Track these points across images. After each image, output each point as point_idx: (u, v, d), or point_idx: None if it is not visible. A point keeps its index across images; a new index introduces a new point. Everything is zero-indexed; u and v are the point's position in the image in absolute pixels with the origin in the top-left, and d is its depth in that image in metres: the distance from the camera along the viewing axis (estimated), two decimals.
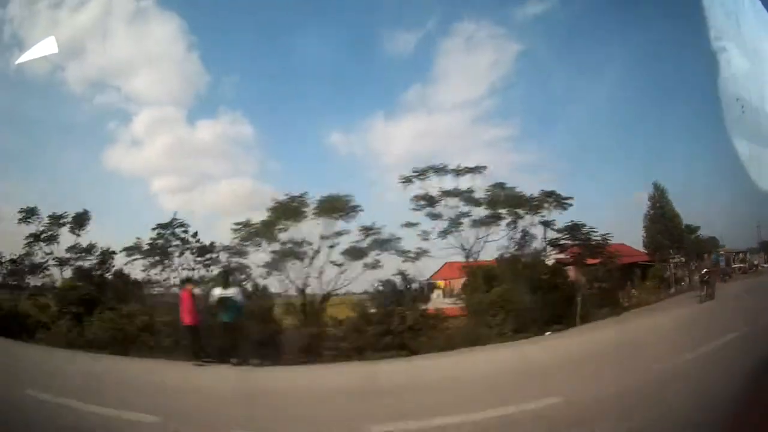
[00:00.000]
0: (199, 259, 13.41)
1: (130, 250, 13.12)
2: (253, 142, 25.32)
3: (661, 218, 14.35)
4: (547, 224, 12.90)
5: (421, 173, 13.28)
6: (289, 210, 12.98)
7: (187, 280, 12.07)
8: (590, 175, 22.32)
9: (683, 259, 14.76)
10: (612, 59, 20.35)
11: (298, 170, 26.44)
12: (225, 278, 11.13)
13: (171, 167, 26.04)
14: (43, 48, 10.87)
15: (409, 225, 13.46)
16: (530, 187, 22.94)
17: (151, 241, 13.19)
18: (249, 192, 25.01)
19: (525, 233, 12.72)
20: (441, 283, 16.34)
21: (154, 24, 24.51)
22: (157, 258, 13.23)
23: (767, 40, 5.53)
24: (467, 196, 13.53)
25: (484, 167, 12.84)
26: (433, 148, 26.21)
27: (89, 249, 13.50)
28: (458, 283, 14.94)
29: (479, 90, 26.16)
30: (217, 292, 10.31)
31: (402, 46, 25.03)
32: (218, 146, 25.64)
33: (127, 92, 25.65)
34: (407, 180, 12.95)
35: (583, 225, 12.40)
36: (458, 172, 13.26)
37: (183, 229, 13.22)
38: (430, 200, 13.20)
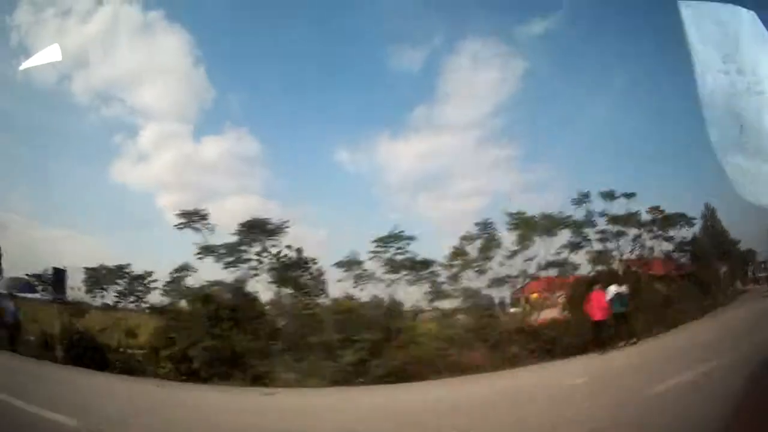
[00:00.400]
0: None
1: None
2: (260, 159, 25.63)
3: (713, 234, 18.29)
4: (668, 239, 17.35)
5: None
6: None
7: (595, 282, 14.76)
8: (595, 192, 22.17)
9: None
10: (614, 77, 20.31)
11: (304, 187, 26.62)
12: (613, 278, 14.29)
13: (177, 183, 26.50)
14: (47, 55, 10.89)
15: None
16: (536, 207, 22.80)
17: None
18: (255, 209, 25.17)
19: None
20: (535, 296, 18.38)
21: (161, 37, 25.08)
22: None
23: (765, 58, 5.47)
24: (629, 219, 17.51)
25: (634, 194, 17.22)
26: (438, 167, 26.29)
27: None
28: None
29: (485, 109, 26.23)
30: (613, 289, 13.34)
31: (408, 64, 25.28)
32: (224, 162, 25.96)
33: (133, 105, 26.22)
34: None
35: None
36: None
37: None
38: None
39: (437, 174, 27.04)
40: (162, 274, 23.09)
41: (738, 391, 5.00)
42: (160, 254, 24.99)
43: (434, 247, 26.32)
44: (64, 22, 23.37)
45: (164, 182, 27.80)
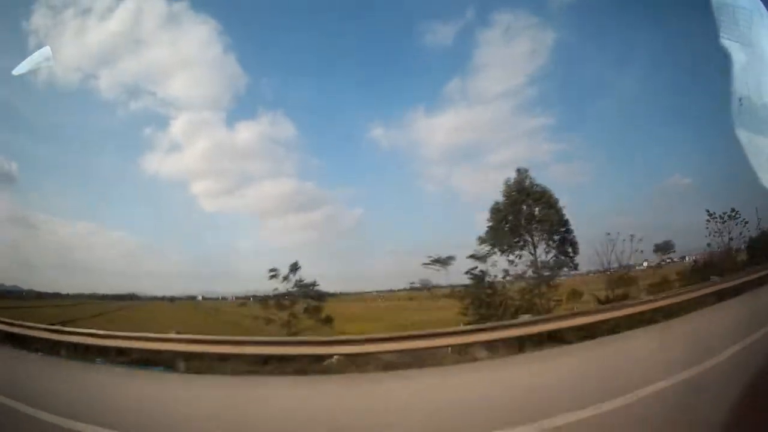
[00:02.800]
0: None
1: None
2: (294, 141, 26.17)
3: None
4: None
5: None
6: None
7: None
8: (625, 163, 22.02)
9: None
10: (641, 45, 19.68)
11: (341, 166, 27.02)
12: None
13: (211, 170, 27.27)
14: (38, 57, 10.93)
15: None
16: (568, 176, 22.99)
17: None
18: (292, 191, 25.76)
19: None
20: None
21: (188, 27, 25.38)
22: None
23: (764, 32, 5.55)
24: None
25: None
26: (473, 140, 26.31)
27: None
28: None
29: (518, 80, 25.97)
30: None
31: (441, 39, 25.08)
32: (259, 147, 26.57)
33: (164, 97, 26.79)
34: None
35: None
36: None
37: None
38: None
39: (473, 146, 27.19)
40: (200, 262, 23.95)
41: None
42: (194, 242, 26.11)
43: (470, 219, 26.82)
44: (84, 21, 23.94)
45: (198, 170, 28.35)
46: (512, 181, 16.59)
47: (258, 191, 26.21)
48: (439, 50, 24.41)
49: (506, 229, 16.22)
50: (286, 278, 15.60)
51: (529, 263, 16.18)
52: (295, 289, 15.62)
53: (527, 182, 16.47)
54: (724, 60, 5.93)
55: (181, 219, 26.22)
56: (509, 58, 24.73)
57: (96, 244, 25.17)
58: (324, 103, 25.24)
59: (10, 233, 22.86)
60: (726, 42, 5.64)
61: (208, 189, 27.57)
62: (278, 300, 15.34)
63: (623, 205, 23.11)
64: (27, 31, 22.80)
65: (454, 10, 24.50)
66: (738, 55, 5.70)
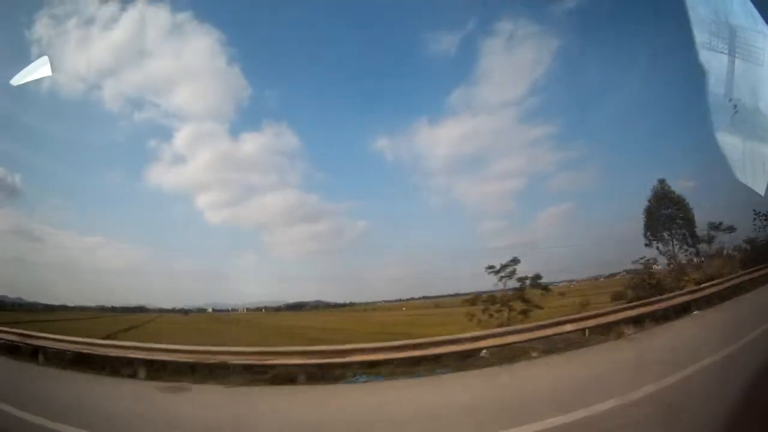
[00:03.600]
0: None
1: None
2: (298, 153, 26.28)
3: None
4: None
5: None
6: None
7: None
8: (630, 170, 21.82)
9: None
10: (640, 53, 19.49)
11: (345, 178, 27.04)
12: None
13: (215, 182, 27.33)
14: (36, 68, 10.86)
15: None
16: (573, 183, 22.95)
17: None
18: (295, 203, 25.69)
19: None
20: None
21: (193, 38, 25.45)
22: None
23: (756, 36, 5.53)
24: None
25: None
26: (477, 150, 26.24)
27: None
28: None
29: (520, 89, 25.90)
30: None
31: (444, 48, 25.13)
32: (263, 158, 26.64)
33: (167, 108, 26.89)
34: None
35: None
36: None
37: None
38: None
39: (476, 156, 27.16)
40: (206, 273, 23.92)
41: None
42: (199, 254, 26.17)
43: (473, 229, 26.75)
44: (87, 31, 23.57)
45: (202, 182, 28.33)
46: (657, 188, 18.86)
47: (262, 203, 26.32)
48: (442, 60, 24.52)
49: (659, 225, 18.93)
50: (505, 271, 15.94)
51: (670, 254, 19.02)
52: (519, 283, 15.85)
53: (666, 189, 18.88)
54: (723, 65, 5.95)
55: (186, 231, 26.27)
56: (512, 66, 24.73)
57: (101, 256, 25.07)
58: (328, 114, 25.52)
59: (16, 245, 22.71)
60: (722, 48, 5.66)
61: (213, 200, 27.70)
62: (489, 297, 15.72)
63: (627, 211, 22.88)
64: (29, 41, 22.55)
65: (457, 19, 24.64)
66: (735, 62, 5.70)
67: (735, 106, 5.64)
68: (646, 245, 19.02)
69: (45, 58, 12.72)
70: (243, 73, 24.93)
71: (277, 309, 25.65)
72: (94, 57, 24.41)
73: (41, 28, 22.98)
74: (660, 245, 19.28)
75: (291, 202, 25.46)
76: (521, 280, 16.05)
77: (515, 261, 16.54)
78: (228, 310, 25.42)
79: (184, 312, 23.29)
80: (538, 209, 27.53)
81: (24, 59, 21.74)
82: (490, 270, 16.56)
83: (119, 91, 24.72)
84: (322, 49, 24.76)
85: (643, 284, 15.98)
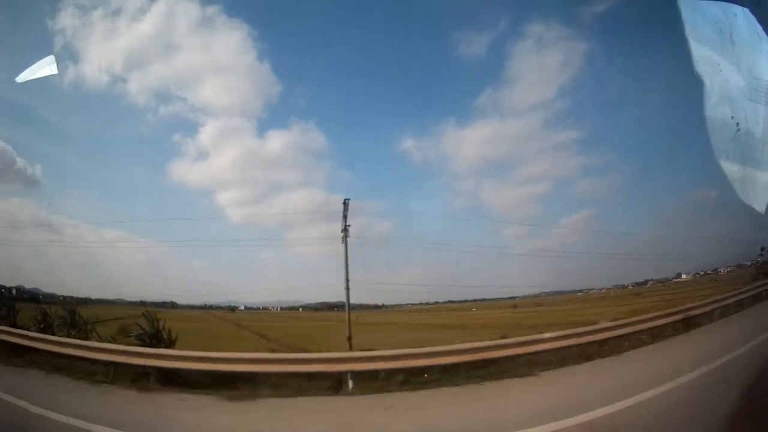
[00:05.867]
0: None
1: None
2: (325, 151, 26.73)
3: None
4: None
5: None
6: None
7: None
8: (657, 174, 21.05)
9: None
10: (670, 61, 18.86)
11: (370, 177, 27.28)
12: None
13: (239, 178, 27.89)
14: (39, 69, 10.91)
15: None
16: (596, 189, 22.42)
17: None
18: (319, 202, 25.98)
19: None
20: None
21: (222, 32, 25.81)
22: None
23: (761, 56, 5.44)
24: None
25: None
26: (504, 152, 26.06)
27: None
28: None
29: (549, 92, 25.53)
30: None
31: (474, 50, 25.06)
32: (289, 156, 27.16)
33: (194, 103, 27.33)
34: None
35: None
36: None
37: None
38: None
39: (502, 159, 26.96)
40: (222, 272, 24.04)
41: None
42: (219, 252, 26.60)
43: (498, 233, 26.45)
44: (113, 23, 24.01)
45: (227, 179, 28.79)
46: None
47: (287, 201, 26.65)
48: (471, 61, 24.47)
49: None
50: None
51: None
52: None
53: None
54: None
55: (209, 227, 26.60)
56: (541, 69, 24.37)
57: (122, 250, 25.12)
58: (356, 114, 25.88)
59: (35, 237, 22.80)
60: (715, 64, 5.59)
61: (237, 197, 28.09)
62: None
63: (648, 218, 22.25)
64: (53, 32, 22.48)
65: (486, 21, 24.55)
66: (733, 78, 5.61)
67: (737, 124, 5.55)
68: None
69: (51, 57, 12.92)
70: (273, 70, 25.39)
71: (316, 309, 25.86)
72: (120, 50, 24.66)
73: (66, 18, 23.15)
74: None
75: (317, 200, 25.84)
76: None
77: None
78: (259, 309, 25.98)
79: (231, 308, 23.61)
80: (563, 215, 26.95)
81: (48, 50, 22.19)
82: None
83: (145, 85, 24.73)
84: (352, 49, 25.25)
85: None
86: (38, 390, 7.85)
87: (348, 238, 14.02)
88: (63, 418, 6.03)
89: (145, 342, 10.29)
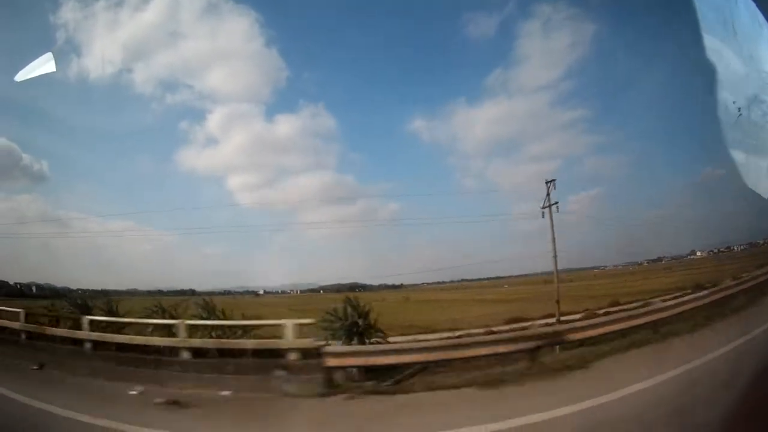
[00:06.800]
0: None
1: None
2: (335, 134, 26.77)
3: None
4: None
5: None
6: None
7: None
8: (660, 155, 20.79)
9: None
10: (677, 40, 18.39)
11: (380, 159, 27.28)
12: None
13: (249, 163, 27.93)
14: (41, 64, 10.96)
15: None
16: (604, 168, 22.22)
17: None
18: (330, 185, 26.16)
19: None
20: None
21: (229, 18, 25.39)
22: None
23: (763, 44, 5.48)
24: None
25: None
26: (512, 131, 25.97)
27: None
28: None
29: (557, 72, 25.20)
30: None
31: (483, 30, 24.65)
32: (298, 140, 27.17)
33: (201, 90, 26.91)
34: None
35: None
36: None
37: None
38: None
39: (511, 138, 26.88)
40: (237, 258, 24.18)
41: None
42: (232, 238, 26.80)
43: (507, 210, 26.56)
44: (117, 13, 23.37)
45: (236, 164, 28.65)
46: None
47: (297, 184, 26.66)
48: (481, 41, 24.06)
49: None
50: None
51: None
52: None
53: None
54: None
55: (222, 214, 26.34)
56: (549, 49, 23.94)
57: (134, 241, 25.20)
58: (365, 96, 25.61)
59: (43, 232, 22.54)
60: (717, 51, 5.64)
61: (246, 182, 28.07)
62: None
63: (658, 197, 21.93)
64: (56, 26, 22.01)
65: (495, 1, 23.98)
66: (735, 65, 5.66)
67: (739, 109, 5.65)
68: None
69: (49, 55, 12.40)
70: (281, 55, 25.12)
71: (338, 290, 24.85)
72: (125, 40, 23.76)
73: (68, 11, 22.62)
74: None
75: (326, 182, 25.97)
76: None
77: None
78: (278, 292, 26.47)
79: (256, 293, 23.97)
80: (570, 193, 26.79)
81: (51, 45, 21.52)
82: None
83: (151, 75, 24.10)
84: (360, 31, 24.84)
85: None
86: None
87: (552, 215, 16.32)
88: None
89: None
